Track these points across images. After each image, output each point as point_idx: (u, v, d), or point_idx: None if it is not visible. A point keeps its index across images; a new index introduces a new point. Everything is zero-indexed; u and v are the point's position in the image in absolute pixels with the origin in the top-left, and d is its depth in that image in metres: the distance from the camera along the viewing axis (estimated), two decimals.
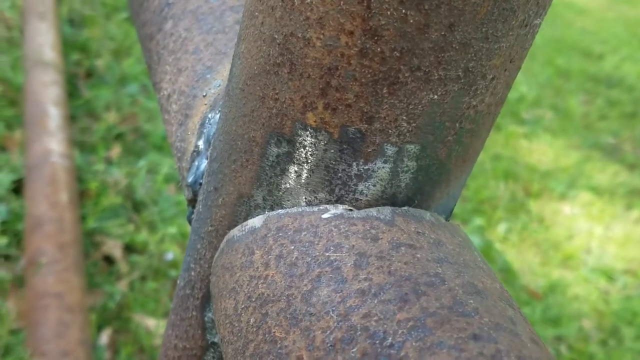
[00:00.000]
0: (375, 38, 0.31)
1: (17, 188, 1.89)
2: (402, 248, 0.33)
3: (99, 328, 1.62)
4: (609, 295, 2.27)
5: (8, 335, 1.52)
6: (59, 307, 1.49)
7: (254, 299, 0.35)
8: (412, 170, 0.36)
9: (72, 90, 2.38)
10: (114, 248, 1.84)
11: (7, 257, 1.71)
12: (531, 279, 2.24)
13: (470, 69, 0.32)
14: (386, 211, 0.36)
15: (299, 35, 0.33)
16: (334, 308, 0.32)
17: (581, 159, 3.11)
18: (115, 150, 2.19)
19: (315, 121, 0.35)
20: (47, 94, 2.12)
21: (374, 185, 0.36)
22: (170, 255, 1.86)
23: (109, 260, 1.82)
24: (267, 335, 0.33)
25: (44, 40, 2.41)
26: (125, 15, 3.01)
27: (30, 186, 1.79)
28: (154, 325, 1.67)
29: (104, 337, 1.61)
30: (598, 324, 2.14)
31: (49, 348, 1.42)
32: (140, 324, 1.65)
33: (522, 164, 2.93)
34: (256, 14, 0.35)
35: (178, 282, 0.48)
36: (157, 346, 1.63)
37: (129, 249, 1.87)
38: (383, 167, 0.35)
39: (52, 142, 1.92)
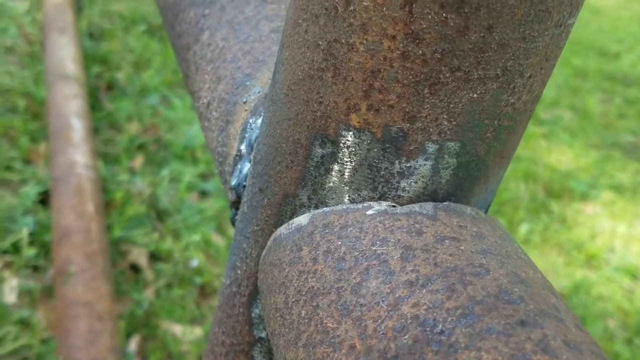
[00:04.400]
0: (417, 41, 0.33)
1: (44, 200, 1.92)
2: (447, 241, 0.35)
3: (128, 335, 1.64)
4: (634, 294, 2.25)
5: (39, 345, 1.55)
6: (89, 316, 1.52)
7: (304, 293, 0.37)
8: (452, 167, 0.37)
9: (94, 103, 2.42)
10: (139, 256, 1.86)
11: (36, 268, 1.75)
12: (555, 279, 2.24)
13: (508, 68, 0.34)
14: (428, 206, 0.37)
15: (343, 41, 0.35)
16: (383, 299, 0.33)
17: (601, 158, 3.10)
18: (138, 161, 2.22)
19: (358, 122, 0.36)
20: (70, 106, 2.16)
21: (416, 182, 0.37)
22: (194, 263, 1.89)
23: (135, 268, 1.85)
24: (319, 326, 0.35)
25: (65, 54, 2.46)
26: (143, 28, 3.05)
27: (56, 198, 1.82)
28: (180, 331, 1.69)
29: (133, 344, 1.63)
30: (623, 322, 2.13)
31: (80, 356, 1.45)
32: (167, 331, 1.68)
33: (542, 164, 2.93)
34: (300, 22, 0.37)
35: (223, 280, 0.49)
36: (185, 352, 1.65)
37: (154, 257, 1.90)
38: (424, 165, 0.37)
39: (77, 154, 1.95)
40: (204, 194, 2.19)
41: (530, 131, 3.18)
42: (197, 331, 1.70)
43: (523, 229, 2.44)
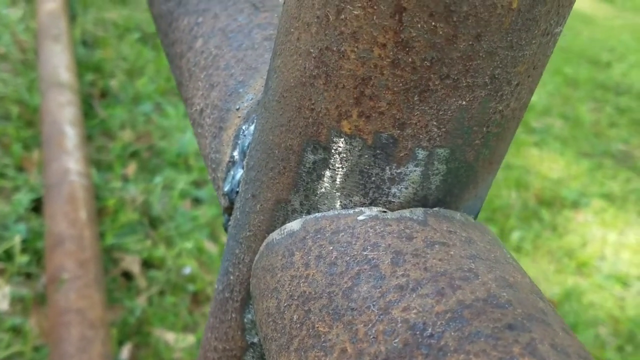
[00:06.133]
0: (407, 49, 0.33)
1: (36, 207, 1.92)
2: (436, 246, 0.35)
3: (120, 343, 1.64)
4: (624, 302, 2.27)
5: (31, 352, 1.54)
6: (81, 323, 1.52)
7: (296, 297, 0.37)
8: (442, 173, 0.38)
9: (87, 110, 2.42)
10: (132, 264, 1.86)
11: (28, 275, 1.74)
12: (546, 287, 2.25)
13: (496, 76, 0.34)
14: (419, 212, 0.38)
15: (334, 48, 0.35)
16: (374, 303, 0.33)
17: (592, 166, 3.12)
18: (131, 168, 2.22)
19: (350, 129, 0.37)
20: (63, 114, 2.16)
21: (406, 188, 0.38)
22: (187, 270, 1.88)
23: (127, 276, 1.84)
24: (310, 330, 0.35)
25: (58, 61, 2.46)
26: (136, 35, 3.06)
27: (49, 205, 1.82)
28: (173, 339, 1.69)
29: (125, 352, 1.63)
30: (614, 330, 2.14)
31: None
32: (159, 338, 1.67)
33: (534, 172, 2.94)
34: (292, 30, 0.37)
35: (216, 286, 0.50)
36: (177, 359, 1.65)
37: (147, 264, 1.89)
38: (415, 171, 0.37)
39: (70, 161, 1.95)
40: (197, 201, 2.19)
41: (521, 139, 3.20)
42: (190, 339, 1.70)
43: (514, 236, 2.45)
